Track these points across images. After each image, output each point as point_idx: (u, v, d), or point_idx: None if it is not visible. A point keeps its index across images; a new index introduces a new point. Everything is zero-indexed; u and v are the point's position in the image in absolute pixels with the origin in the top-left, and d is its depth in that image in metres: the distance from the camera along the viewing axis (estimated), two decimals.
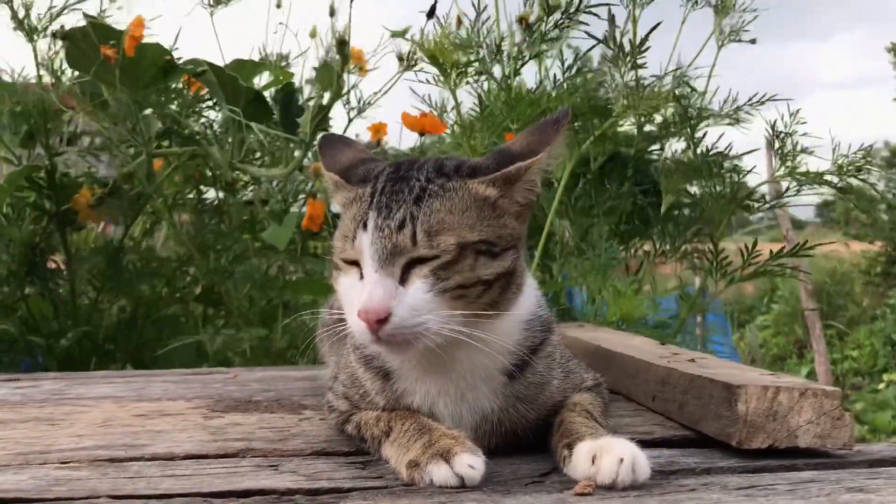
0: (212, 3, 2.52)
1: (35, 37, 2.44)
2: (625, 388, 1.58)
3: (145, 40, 2.35)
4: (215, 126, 2.52)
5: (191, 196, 2.78)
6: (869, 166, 2.11)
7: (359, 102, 2.24)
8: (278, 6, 2.41)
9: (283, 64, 2.65)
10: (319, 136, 1.33)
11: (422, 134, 2.19)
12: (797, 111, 2.00)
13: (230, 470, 1.06)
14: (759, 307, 10.03)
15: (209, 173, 2.62)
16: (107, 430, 1.31)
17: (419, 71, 2.16)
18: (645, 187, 2.37)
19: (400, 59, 2.16)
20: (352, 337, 1.14)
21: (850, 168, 2.09)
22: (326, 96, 2.23)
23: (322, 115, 2.20)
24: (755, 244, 2.06)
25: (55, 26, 2.43)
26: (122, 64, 2.32)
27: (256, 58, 2.63)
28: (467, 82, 2.13)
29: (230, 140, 2.27)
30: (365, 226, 1.01)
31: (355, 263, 1.04)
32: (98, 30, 2.33)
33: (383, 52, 2.25)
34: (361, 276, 1.02)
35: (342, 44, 2.11)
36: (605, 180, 2.37)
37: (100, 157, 2.75)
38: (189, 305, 2.71)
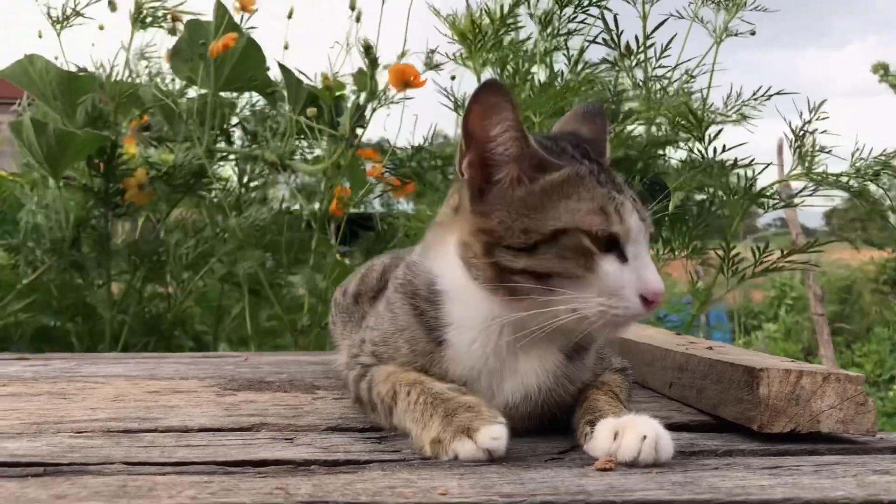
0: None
1: (142, 27, 2.51)
2: (640, 375, 1.56)
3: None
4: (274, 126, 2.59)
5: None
6: (888, 171, 2.08)
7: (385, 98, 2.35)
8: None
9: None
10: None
11: (406, 87, 2.23)
12: (819, 104, 1.96)
13: (246, 442, 1.05)
14: (767, 313, 9.97)
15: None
16: (119, 404, 1.30)
17: (441, 68, 2.20)
18: (654, 186, 2.34)
19: (426, 65, 2.23)
20: (396, 302, 1.15)
21: (867, 172, 2.06)
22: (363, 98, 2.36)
23: (359, 113, 2.31)
24: (767, 245, 2.05)
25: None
26: (222, 62, 2.39)
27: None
28: (492, 62, 2.11)
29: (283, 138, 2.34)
30: (622, 206, 1.02)
31: (609, 242, 1.01)
32: (194, 28, 2.42)
33: (410, 53, 2.36)
34: (619, 256, 1.01)
35: (368, 49, 2.24)
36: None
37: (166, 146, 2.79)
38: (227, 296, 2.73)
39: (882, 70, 8.99)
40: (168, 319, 2.57)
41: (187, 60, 2.44)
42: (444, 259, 1.10)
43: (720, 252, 2.08)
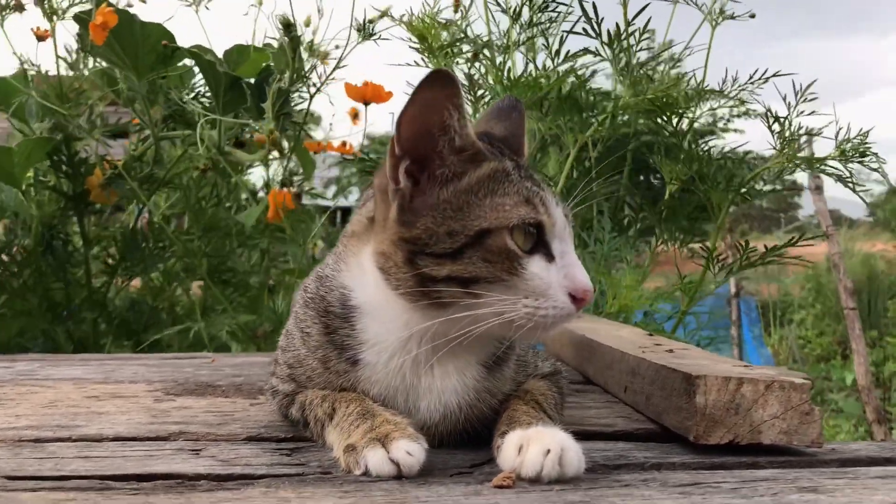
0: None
1: (55, 18, 2.43)
2: (602, 378, 1.50)
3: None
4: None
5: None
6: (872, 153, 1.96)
7: (320, 80, 2.20)
8: (260, 3, 2.36)
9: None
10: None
11: (366, 104, 2.15)
12: (806, 88, 1.86)
13: (150, 453, 1.01)
14: (806, 307, 9.73)
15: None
16: (49, 410, 1.27)
17: (383, 40, 2.10)
18: (646, 176, 2.27)
19: (358, 30, 2.09)
20: (306, 319, 1.09)
21: (853, 153, 1.95)
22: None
23: (282, 98, 2.15)
24: (747, 243, 1.98)
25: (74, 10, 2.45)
26: (122, 43, 2.30)
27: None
28: (457, 63, 2.04)
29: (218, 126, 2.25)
30: (546, 199, 0.99)
31: (535, 241, 0.96)
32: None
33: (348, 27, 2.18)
34: (546, 256, 0.97)
35: (287, 26, 2.08)
36: (603, 170, 2.27)
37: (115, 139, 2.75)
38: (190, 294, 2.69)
39: None
40: (142, 320, 2.55)
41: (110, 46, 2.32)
42: (359, 271, 1.05)
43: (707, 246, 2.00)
